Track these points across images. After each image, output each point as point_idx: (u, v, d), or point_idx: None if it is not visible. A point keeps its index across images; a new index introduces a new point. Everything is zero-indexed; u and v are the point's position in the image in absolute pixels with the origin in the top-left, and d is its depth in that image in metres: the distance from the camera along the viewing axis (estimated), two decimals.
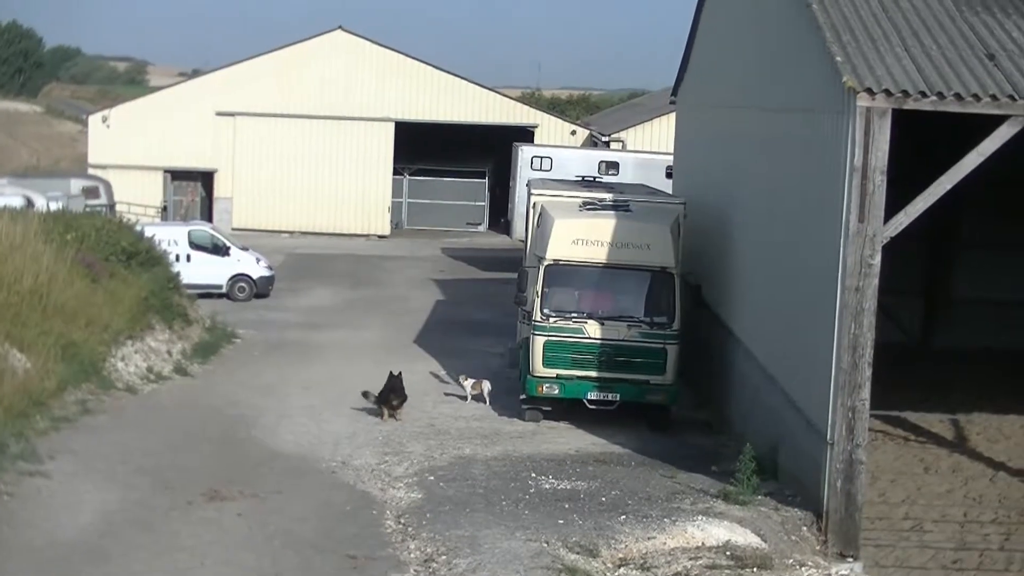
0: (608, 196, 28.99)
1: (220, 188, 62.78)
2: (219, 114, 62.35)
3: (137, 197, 58.99)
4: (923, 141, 22.15)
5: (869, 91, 18.18)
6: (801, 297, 20.97)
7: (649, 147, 57.90)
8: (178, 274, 35.12)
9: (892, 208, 18.51)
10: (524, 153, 57.68)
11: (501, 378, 29.47)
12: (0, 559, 16.36)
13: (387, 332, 36.98)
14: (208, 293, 40.08)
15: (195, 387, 28.63)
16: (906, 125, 18.54)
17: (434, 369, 31.61)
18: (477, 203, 66.71)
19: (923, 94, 18.21)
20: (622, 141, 61.19)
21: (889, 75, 18.56)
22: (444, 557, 17.25)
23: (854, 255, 18.47)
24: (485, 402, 27.84)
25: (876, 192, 18.33)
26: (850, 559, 18.56)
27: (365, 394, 26.60)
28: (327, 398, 27.80)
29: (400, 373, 26.45)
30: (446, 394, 28.98)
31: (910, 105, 18.24)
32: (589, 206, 27.92)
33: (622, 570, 17.11)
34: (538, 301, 26.11)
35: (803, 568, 17.24)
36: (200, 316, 34.46)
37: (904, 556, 19.63)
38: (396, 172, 64.26)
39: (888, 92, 18.20)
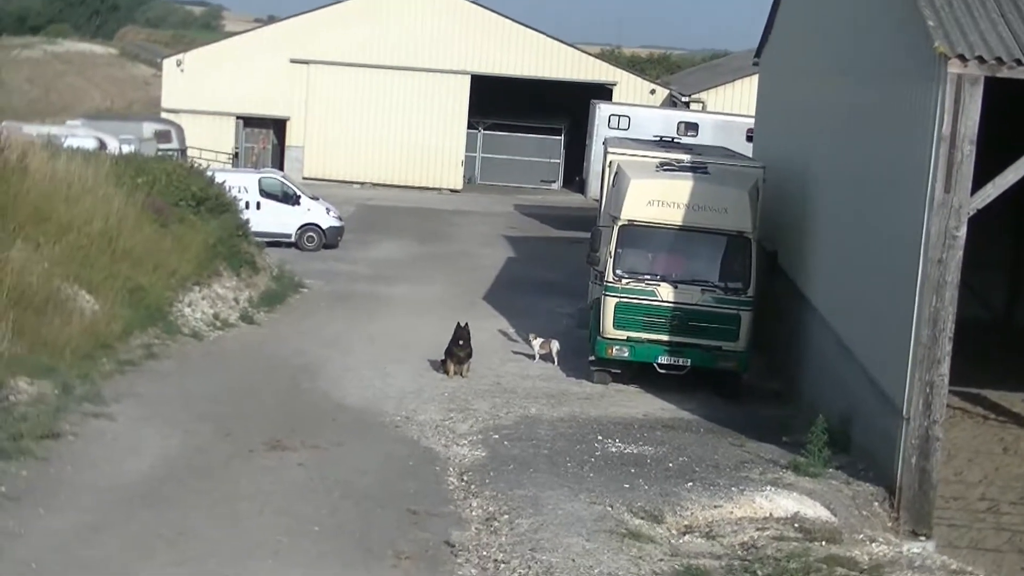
0: (686, 157, 28.81)
1: (292, 136, 63.00)
2: (293, 62, 62.48)
3: (208, 143, 59.29)
4: (1013, 108, 21.73)
5: (961, 57, 17.84)
6: (881, 267, 20.71)
7: (730, 109, 57.45)
8: (247, 221, 35.20)
9: (977, 178, 18.20)
10: (602, 111, 57.48)
11: (570, 339, 29.41)
12: (64, 497, 16.55)
13: (456, 288, 37.01)
14: (276, 242, 40.25)
15: (260, 336, 28.80)
16: (994, 91, 18.18)
17: (502, 327, 31.60)
18: (552, 160, 66.52)
19: (1018, 62, 17.84)
20: (702, 102, 60.74)
21: (983, 41, 18.18)
22: (506, 516, 17.25)
23: (938, 226, 18.20)
24: (553, 362, 27.81)
25: (964, 162, 18.03)
26: (922, 538, 18.37)
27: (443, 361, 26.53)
28: (392, 352, 27.87)
29: (467, 324, 26.43)
30: (514, 352, 28.97)
31: (1004, 73, 17.88)
32: (666, 167, 27.76)
33: (687, 537, 17.04)
34: (611, 262, 26.01)
35: (873, 544, 17.09)
36: (268, 265, 34.64)
37: (979, 538, 19.44)
38: (471, 126, 64.17)
39: (981, 59, 17.85)
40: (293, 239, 42.05)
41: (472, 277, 39.05)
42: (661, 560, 15.86)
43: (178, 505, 16.85)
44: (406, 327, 30.75)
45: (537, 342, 28.25)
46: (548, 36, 63.95)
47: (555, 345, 28.07)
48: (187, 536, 15.81)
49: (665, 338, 25.87)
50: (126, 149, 39.82)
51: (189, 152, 52.08)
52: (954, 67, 17.85)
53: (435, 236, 47.94)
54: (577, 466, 19.91)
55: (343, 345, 28.34)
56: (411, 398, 24.14)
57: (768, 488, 18.71)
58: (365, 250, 43.13)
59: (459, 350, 26.20)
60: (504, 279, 39.41)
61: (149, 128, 51.02)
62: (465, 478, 19.26)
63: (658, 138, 34.58)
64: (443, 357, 26.35)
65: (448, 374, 26.06)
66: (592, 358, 26.70)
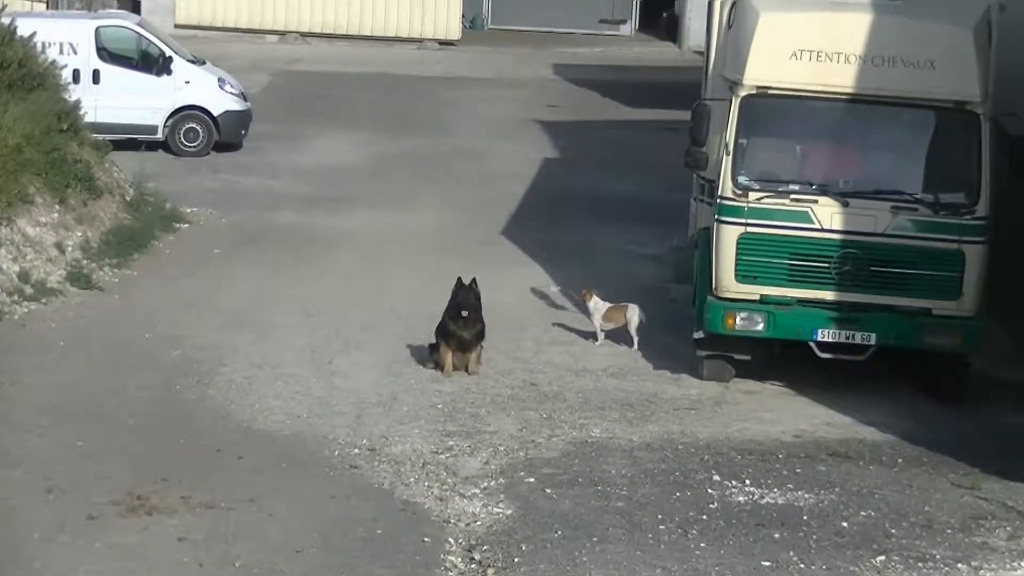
0: None
1: None
2: None
3: None
4: None
5: None
6: None
7: None
8: (77, 105, 35.31)
9: None
10: None
11: (658, 301, 29.66)
12: None
13: (453, 215, 37.29)
14: (132, 140, 40.57)
15: (106, 309, 28.91)
16: None
17: (538, 283, 31.79)
18: None
19: None
20: None
21: None
22: None
23: None
24: (633, 344, 27.89)
25: None
26: None
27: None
28: (343, 333, 27.99)
29: (474, 281, 26.44)
30: (559, 327, 29.06)
31: None
32: None
33: None
34: (729, 162, 25.93)
35: None
36: (117, 182, 34.77)
37: None
38: None
39: None
40: (161, 135, 42.22)
41: (482, 196, 39.29)
42: None
43: None
44: (366, 289, 30.89)
45: (601, 309, 28.17)
46: None
47: (634, 314, 28.02)
48: None
49: (829, 296, 25.84)
50: None
51: None
52: None
53: (416, 125, 48.14)
54: (678, 530, 19.98)
55: (255, 323, 28.44)
56: (378, 414, 24.18)
57: None
58: (291, 152, 43.30)
59: (462, 328, 26.20)
60: (539, 198, 39.63)
61: None
62: (477, 556, 19.28)
63: None
64: (435, 340, 26.40)
65: (444, 370, 26.12)
66: (700, 335, 26.68)
